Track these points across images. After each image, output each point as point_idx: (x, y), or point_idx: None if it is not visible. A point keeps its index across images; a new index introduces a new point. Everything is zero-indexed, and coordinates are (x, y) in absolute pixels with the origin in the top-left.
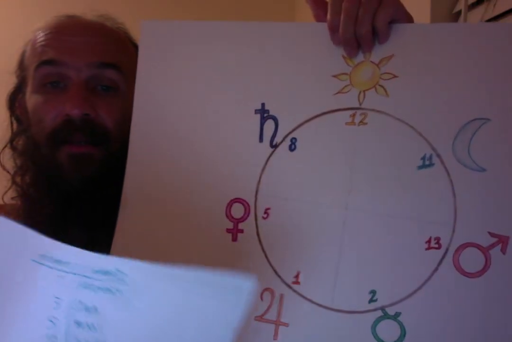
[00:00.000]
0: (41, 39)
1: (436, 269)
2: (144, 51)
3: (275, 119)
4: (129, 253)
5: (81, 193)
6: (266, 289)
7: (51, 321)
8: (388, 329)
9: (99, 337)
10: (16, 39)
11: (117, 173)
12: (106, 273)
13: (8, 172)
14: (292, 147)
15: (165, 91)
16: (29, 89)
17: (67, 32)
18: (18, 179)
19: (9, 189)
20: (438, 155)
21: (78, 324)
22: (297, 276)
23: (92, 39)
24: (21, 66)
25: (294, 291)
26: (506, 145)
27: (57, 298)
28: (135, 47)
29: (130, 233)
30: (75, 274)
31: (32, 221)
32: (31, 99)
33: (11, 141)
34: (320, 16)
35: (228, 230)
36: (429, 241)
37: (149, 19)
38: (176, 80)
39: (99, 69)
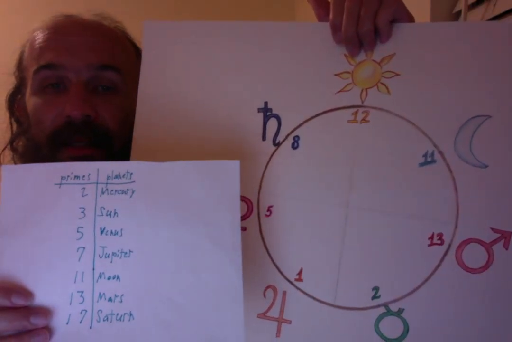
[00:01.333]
0: (39, 40)
1: (438, 265)
2: (147, 51)
3: (278, 117)
4: None
5: None
6: (268, 286)
7: (80, 231)
8: (391, 325)
9: (121, 241)
10: (16, 40)
11: None
12: (118, 176)
13: None
14: (295, 145)
15: (168, 91)
16: (28, 91)
17: (65, 32)
18: None
19: None
20: (440, 152)
21: (102, 230)
22: (299, 273)
23: (90, 39)
24: (20, 67)
25: (297, 288)
26: (507, 142)
27: (82, 208)
28: (133, 45)
29: None
30: (93, 183)
31: None
32: (31, 101)
33: (11, 142)
34: (322, 16)
35: None
36: (431, 237)
37: (151, 20)
38: (179, 80)
39: (99, 71)
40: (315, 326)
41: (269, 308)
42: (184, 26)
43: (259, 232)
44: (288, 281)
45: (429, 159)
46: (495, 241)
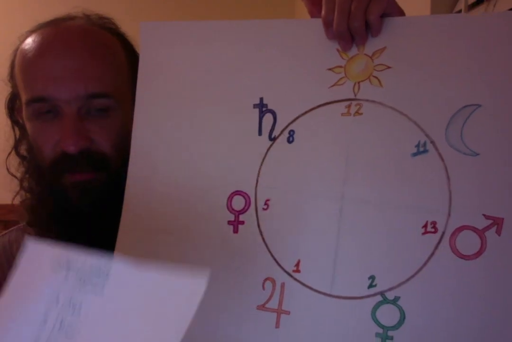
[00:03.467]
0: (27, 62)
1: (433, 253)
2: (144, 53)
3: (273, 113)
4: (132, 247)
5: (87, 214)
6: (267, 279)
7: (44, 319)
8: (388, 313)
9: None
10: (15, 41)
11: (120, 192)
12: (96, 270)
13: (15, 176)
14: (290, 139)
15: (166, 91)
16: (24, 113)
17: (50, 55)
18: (25, 184)
19: (17, 193)
20: (432, 142)
21: (61, 325)
22: (297, 265)
23: (76, 63)
24: (13, 78)
25: (295, 279)
26: (497, 130)
27: (57, 296)
28: (125, 46)
29: (133, 228)
30: (75, 271)
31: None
32: (28, 125)
33: (15, 147)
34: (314, 12)
35: (229, 222)
36: (425, 226)
37: (147, 21)
38: (176, 78)
39: (88, 100)
40: (313, 316)
41: (268, 299)
42: (180, 27)
43: (256, 225)
44: (286, 272)
45: (421, 149)
46: (487, 227)
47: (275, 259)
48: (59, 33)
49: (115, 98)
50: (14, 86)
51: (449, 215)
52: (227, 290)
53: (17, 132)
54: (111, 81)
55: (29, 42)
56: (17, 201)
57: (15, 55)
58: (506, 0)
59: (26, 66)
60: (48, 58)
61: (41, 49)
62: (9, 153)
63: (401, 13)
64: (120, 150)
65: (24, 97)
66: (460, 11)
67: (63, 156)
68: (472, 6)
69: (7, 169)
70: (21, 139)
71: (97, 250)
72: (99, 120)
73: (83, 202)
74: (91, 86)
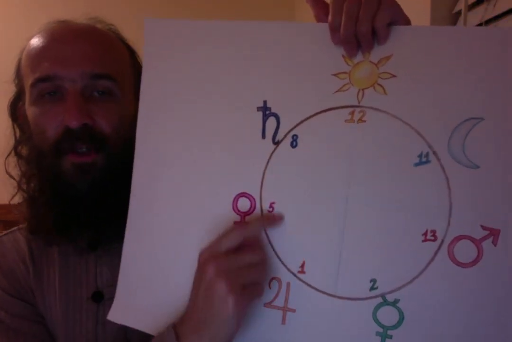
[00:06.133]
0: (34, 49)
1: (432, 260)
2: (148, 49)
3: (276, 116)
4: (140, 246)
5: (85, 196)
6: (273, 278)
7: None
8: (388, 314)
9: None
10: (16, 47)
11: (118, 175)
12: None
13: (13, 178)
14: (293, 144)
15: (170, 90)
16: (27, 101)
17: (58, 40)
18: (24, 185)
19: (15, 194)
20: (434, 153)
21: None
22: (302, 266)
23: (83, 47)
24: (18, 76)
25: (300, 279)
26: (498, 143)
27: None
28: (127, 47)
29: (140, 228)
30: None
31: (38, 224)
32: (30, 111)
33: (15, 148)
34: (320, 17)
35: (236, 223)
36: (425, 234)
37: (151, 17)
38: (181, 78)
39: (92, 80)
40: (317, 314)
41: (275, 297)
42: (185, 25)
43: None
44: (292, 273)
45: (423, 159)
46: (484, 238)
47: (280, 260)
48: (68, 26)
49: (118, 82)
50: (19, 83)
51: (448, 224)
52: None
53: (18, 133)
54: (115, 68)
55: (37, 36)
56: (14, 201)
57: (22, 52)
58: (506, 0)
59: (35, 52)
60: (57, 42)
61: (50, 36)
62: (9, 154)
63: (407, 22)
64: (120, 134)
65: (30, 81)
66: (460, 12)
67: (65, 134)
68: (472, 6)
69: (6, 169)
70: (22, 139)
71: (94, 235)
72: (101, 103)
73: (82, 183)
74: (96, 67)
